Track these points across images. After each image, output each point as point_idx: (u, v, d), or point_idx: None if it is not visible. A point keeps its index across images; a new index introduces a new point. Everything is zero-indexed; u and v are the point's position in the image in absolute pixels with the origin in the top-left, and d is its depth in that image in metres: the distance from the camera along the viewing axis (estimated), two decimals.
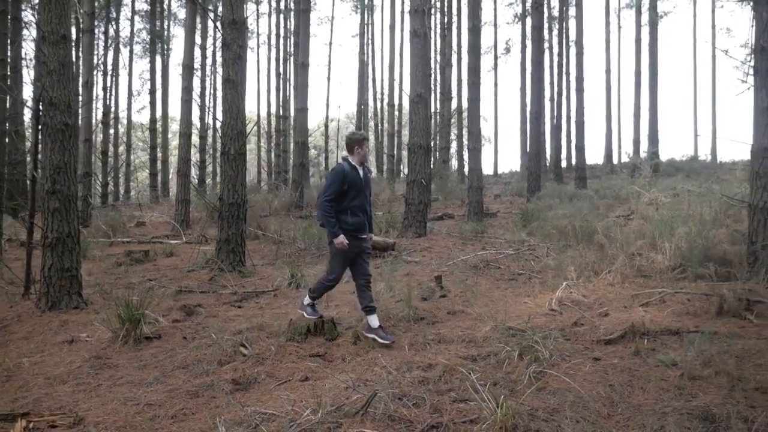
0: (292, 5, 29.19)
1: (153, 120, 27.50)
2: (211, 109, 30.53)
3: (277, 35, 32.05)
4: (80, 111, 16.04)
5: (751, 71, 6.98)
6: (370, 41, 33.50)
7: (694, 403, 3.66)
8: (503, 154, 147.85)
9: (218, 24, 9.93)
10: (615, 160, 32.59)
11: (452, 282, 7.86)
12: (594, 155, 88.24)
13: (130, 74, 30.72)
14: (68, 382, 4.58)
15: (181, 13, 31.28)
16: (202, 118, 28.14)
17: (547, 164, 28.88)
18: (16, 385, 4.53)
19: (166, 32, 30.43)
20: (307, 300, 5.56)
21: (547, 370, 4.27)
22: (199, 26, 25.67)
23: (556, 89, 29.35)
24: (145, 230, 15.32)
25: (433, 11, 29.71)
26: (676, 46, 79.37)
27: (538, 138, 19.08)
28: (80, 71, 17.37)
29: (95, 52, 23.99)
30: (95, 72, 25.48)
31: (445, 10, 27.96)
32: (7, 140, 17.18)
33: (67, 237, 6.89)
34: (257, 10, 35.69)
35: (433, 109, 30.15)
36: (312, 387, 4.19)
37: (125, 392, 4.27)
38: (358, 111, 32.21)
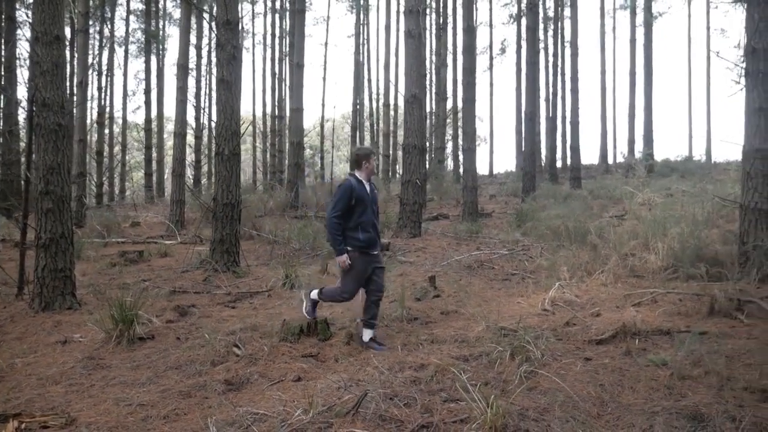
0: (287, 5, 29.17)
1: (148, 120, 27.47)
2: (207, 109, 30.50)
3: (273, 35, 32.06)
4: (74, 111, 16.00)
5: (744, 72, 7.02)
6: (365, 41, 33.53)
7: (683, 402, 3.68)
8: (499, 154, 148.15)
9: (213, 24, 9.92)
10: (610, 160, 32.72)
11: (446, 282, 7.88)
12: (589, 155, 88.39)
13: (125, 74, 30.82)
14: (61, 382, 4.58)
15: (177, 13, 31.20)
16: (197, 118, 28.11)
17: (543, 164, 28.97)
18: (9, 385, 4.53)
19: (161, 32, 30.38)
20: (314, 294, 5.50)
21: (538, 370, 4.29)
22: (194, 26, 25.63)
23: (551, 89, 29.42)
24: (139, 230, 15.30)
25: (428, 11, 29.74)
26: (671, 46, 79.59)
27: (532, 138, 19.13)
28: (75, 71, 17.35)
29: (90, 52, 24.01)
30: (90, 72, 25.49)
31: (441, 10, 27.98)
32: (1, 140, 17.17)
33: (61, 238, 6.88)
34: (253, 10, 35.69)
35: (428, 109, 30.20)
36: (304, 387, 4.20)
37: (118, 393, 4.27)
38: (353, 111, 32.22)
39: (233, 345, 5.17)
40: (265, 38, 33.97)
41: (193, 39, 27.46)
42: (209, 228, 11.12)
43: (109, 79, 29.62)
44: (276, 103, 31.22)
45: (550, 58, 30.20)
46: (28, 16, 24.55)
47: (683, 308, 5.88)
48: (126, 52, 31.04)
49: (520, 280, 8.01)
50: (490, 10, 35.42)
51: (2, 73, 17.71)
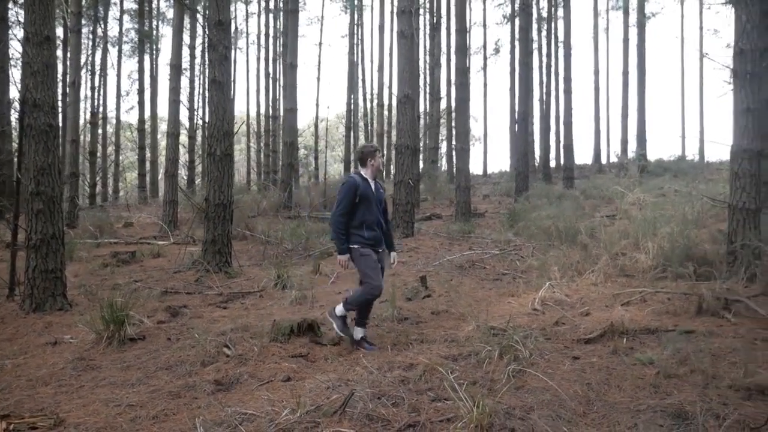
0: (281, 5, 29.17)
1: (141, 120, 27.41)
2: (201, 109, 30.46)
3: (266, 35, 32.03)
4: (67, 111, 15.96)
5: (732, 73, 7.07)
6: (359, 42, 33.56)
7: (669, 400, 3.72)
8: (493, 154, 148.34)
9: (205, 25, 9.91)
10: (604, 160, 32.82)
11: (437, 282, 7.91)
12: (583, 155, 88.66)
13: (118, 74, 30.64)
14: (50, 383, 4.59)
15: (170, 13, 31.17)
16: (191, 119, 28.07)
17: (537, 164, 29.04)
18: None
19: (154, 32, 30.32)
20: (340, 311, 5.21)
21: (525, 369, 4.32)
22: (188, 26, 25.59)
23: (544, 90, 29.50)
24: (132, 231, 15.29)
25: (422, 12, 29.77)
26: (664, 46, 79.89)
27: (525, 138, 19.18)
28: (68, 71, 17.30)
29: (83, 52, 23.95)
30: (83, 72, 25.41)
31: (434, 10, 28.01)
32: None
33: (52, 238, 6.88)
34: (247, 10, 35.67)
35: (422, 109, 30.23)
36: (293, 387, 4.21)
37: (107, 393, 4.28)
38: (347, 111, 32.22)
39: (223, 345, 5.18)
40: (259, 38, 33.97)
41: (186, 39, 27.40)
42: (202, 228, 11.13)
43: (102, 79, 29.54)
44: (270, 103, 31.20)
45: (544, 59, 30.27)
46: (20, 17, 24.48)
47: (672, 307, 5.93)
48: (119, 52, 30.96)
49: (511, 279, 8.05)
50: (484, 10, 35.46)
51: None
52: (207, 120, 9.42)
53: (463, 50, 14.88)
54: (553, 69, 29.64)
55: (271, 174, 27.40)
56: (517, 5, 25.64)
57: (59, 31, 24.72)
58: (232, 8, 33.75)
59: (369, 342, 5.26)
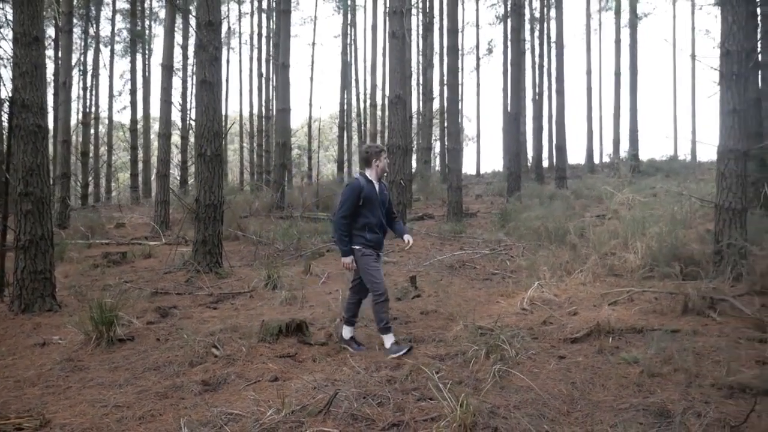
0: (273, 5, 29.14)
1: (134, 120, 27.32)
2: (193, 110, 30.37)
3: (259, 35, 32.01)
4: (58, 111, 15.91)
5: (719, 74, 7.13)
6: (352, 42, 33.54)
7: (651, 399, 3.76)
8: (486, 154, 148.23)
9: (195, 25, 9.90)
10: (596, 160, 32.89)
11: (427, 282, 7.94)
12: (576, 155, 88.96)
13: (111, 74, 30.51)
14: (38, 384, 4.59)
15: (163, 13, 31.08)
16: (183, 119, 27.98)
17: (529, 164, 29.12)
18: None
19: (147, 32, 30.23)
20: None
21: (512, 369, 4.35)
22: (180, 27, 25.53)
23: (537, 90, 29.57)
24: (124, 231, 15.25)
25: (414, 12, 29.80)
26: (657, 47, 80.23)
27: (517, 138, 19.24)
28: (59, 71, 17.23)
29: (74, 52, 23.83)
30: (75, 71, 25.31)
31: (427, 10, 28.05)
32: None
33: (41, 239, 6.87)
34: (239, 9, 35.61)
35: (415, 109, 30.27)
36: (280, 387, 4.23)
37: (94, 394, 4.28)
38: (340, 111, 32.22)
39: (212, 346, 5.19)
40: (251, 38, 33.94)
41: (179, 39, 27.35)
42: (194, 229, 11.12)
43: (94, 79, 29.42)
44: (263, 103, 31.18)
45: (536, 59, 30.36)
46: (9, 16, 24.38)
47: (658, 307, 5.97)
48: (112, 51, 30.86)
49: (500, 279, 8.08)
50: (477, 10, 35.58)
51: None
52: (197, 120, 9.40)
53: (454, 50, 14.91)
54: (545, 69, 29.72)
55: (264, 174, 27.37)
56: (509, 6, 25.71)
57: (51, 31, 24.65)
58: (225, 8, 33.76)
59: (358, 342, 5.28)
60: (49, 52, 27.67)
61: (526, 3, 30.80)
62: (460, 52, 34.78)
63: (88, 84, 28.95)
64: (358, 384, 4.11)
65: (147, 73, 29.33)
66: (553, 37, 25.89)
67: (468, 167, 40.29)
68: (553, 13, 28.19)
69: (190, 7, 21.83)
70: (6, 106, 16.04)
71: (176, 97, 31.36)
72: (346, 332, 5.28)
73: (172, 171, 33.65)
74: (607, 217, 10.16)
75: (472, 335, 5.20)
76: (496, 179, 26.40)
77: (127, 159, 29.80)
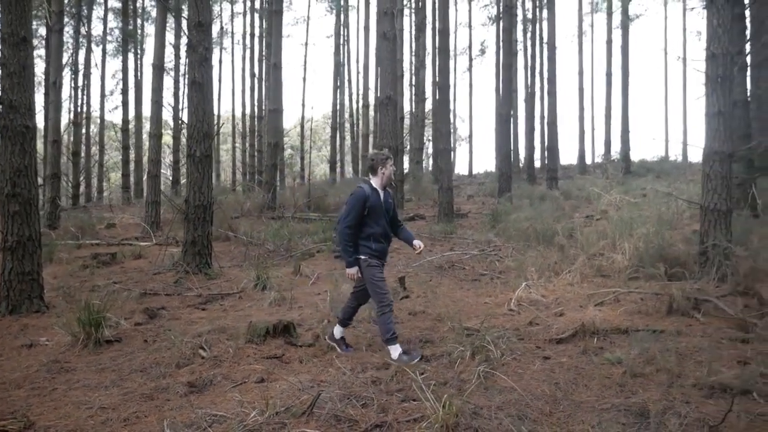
0: (266, 5, 29.11)
1: (126, 120, 27.23)
2: (186, 110, 30.27)
3: (252, 35, 31.96)
4: (48, 111, 15.85)
5: (705, 77, 7.18)
6: (345, 42, 33.56)
7: (633, 399, 3.80)
8: (479, 154, 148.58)
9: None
10: (588, 161, 33.03)
11: (416, 283, 7.96)
12: (568, 155, 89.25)
13: (102, 73, 30.39)
14: (24, 386, 4.58)
15: (155, 12, 30.98)
16: (175, 119, 27.86)
17: (521, 165, 29.22)
18: None
19: (139, 31, 30.14)
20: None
21: (496, 369, 4.39)
22: (172, 27, 25.49)
23: (529, 90, 29.66)
24: (114, 232, 15.20)
25: (407, 12, 29.86)
26: (649, 48, 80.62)
27: (507, 139, 19.29)
28: (50, 70, 17.16)
29: (66, 51, 23.72)
30: (66, 71, 25.20)
31: (419, 11, 28.09)
32: None
33: (28, 240, 6.85)
34: (232, 9, 35.56)
35: (407, 110, 30.30)
36: (266, 388, 4.25)
37: (80, 396, 4.28)
38: (333, 111, 32.25)
39: (199, 347, 5.19)
40: (244, 38, 33.87)
41: (171, 38, 27.32)
42: (183, 230, 11.11)
43: (86, 78, 29.30)
44: (256, 104, 31.15)
45: (529, 60, 30.45)
46: None
47: (644, 307, 6.01)
48: (104, 51, 30.73)
49: (489, 280, 8.11)
50: (470, 11, 35.68)
51: None
52: (187, 121, 9.39)
53: (444, 52, 14.94)
54: (537, 70, 29.82)
55: (256, 174, 27.34)
56: (501, 7, 25.74)
57: (42, 30, 24.55)
58: (217, 8, 33.69)
59: (347, 344, 5.27)
60: (40, 52, 27.60)
61: (519, 4, 30.93)
62: (452, 53, 35.03)
63: (80, 83, 28.86)
64: (343, 385, 4.14)
65: (139, 73, 29.25)
66: (546, 38, 26.02)
67: (460, 167, 40.38)
68: (545, 14, 28.32)
69: (183, 6, 21.78)
70: None
71: (168, 97, 31.35)
72: (338, 332, 5.27)
73: (164, 171, 33.61)
74: (596, 218, 10.20)
75: (458, 336, 5.23)
76: (488, 180, 26.47)
77: (119, 159, 29.72)
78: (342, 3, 32.23)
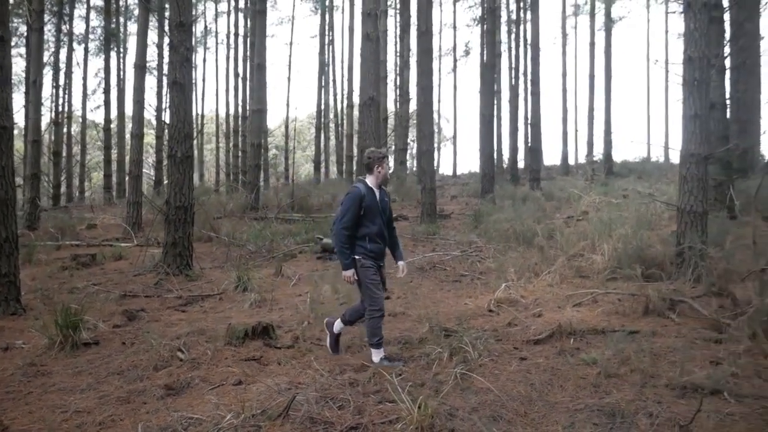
0: (250, 5, 29.01)
1: (108, 120, 27.00)
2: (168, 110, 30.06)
3: (236, 35, 31.83)
4: (28, 111, 15.68)
5: (682, 80, 7.28)
6: (330, 42, 33.53)
7: (607, 399, 3.84)
8: (464, 154, 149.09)
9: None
10: (571, 161, 33.29)
11: (397, 284, 7.97)
12: (552, 156, 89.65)
13: (85, 73, 30.12)
14: None
15: (138, 11, 30.73)
16: (158, 119, 27.69)
17: (505, 165, 29.36)
18: None
19: (121, 30, 29.87)
20: (376, 354, 4.83)
21: (474, 370, 4.42)
22: (155, 26, 25.28)
23: (513, 92, 29.81)
24: (95, 233, 15.07)
25: (392, 13, 29.90)
26: (632, 50, 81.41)
27: (490, 140, 19.40)
28: (30, 69, 16.97)
29: (47, 50, 23.49)
30: (47, 69, 24.94)
31: (404, 12, 28.13)
32: None
33: (5, 242, 6.78)
34: (216, 9, 35.38)
35: (391, 110, 30.34)
36: (243, 391, 4.24)
37: (55, 399, 4.25)
38: (318, 111, 32.21)
39: (177, 349, 5.17)
40: (228, 37, 33.72)
41: (154, 38, 27.13)
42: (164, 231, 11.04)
43: (67, 77, 29.00)
44: (240, 103, 31.00)
45: (513, 61, 30.60)
46: None
47: (621, 308, 6.08)
48: (86, 50, 30.44)
49: (469, 281, 8.15)
50: (454, 12, 35.76)
51: None
52: (169, 122, 9.34)
53: (427, 53, 14.97)
54: (521, 71, 29.99)
55: (240, 174, 27.23)
56: (484, 9, 25.85)
57: (23, 28, 24.26)
58: (201, 7, 33.52)
59: (338, 344, 5.19)
60: (21, 50, 27.30)
61: (504, 6, 31.09)
62: (437, 54, 35.13)
63: (61, 82, 28.56)
64: (320, 387, 4.14)
65: (122, 72, 28.98)
66: (530, 40, 26.17)
67: (445, 168, 40.55)
68: (529, 15, 28.49)
69: (165, 5, 21.64)
70: None
71: (151, 97, 31.14)
72: (337, 326, 5.13)
73: (147, 171, 33.36)
74: (575, 219, 10.29)
75: (437, 337, 5.26)
76: (472, 180, 26.56)
77: (101, 159, 29.47)
78: (327, 3, 32.20)
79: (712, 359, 4.49)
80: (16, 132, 15.49)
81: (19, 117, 21.56)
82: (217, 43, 36.40)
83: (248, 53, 29.20)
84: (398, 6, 29.24)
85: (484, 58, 28.35)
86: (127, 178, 20.08)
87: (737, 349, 4.65)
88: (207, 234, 12.65)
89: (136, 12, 31.16)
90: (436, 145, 37.51)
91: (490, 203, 15.36)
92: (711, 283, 6.06)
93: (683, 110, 7.13)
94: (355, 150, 30.84)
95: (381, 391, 4.09)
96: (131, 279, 8.98)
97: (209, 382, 4.49)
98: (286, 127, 34.11)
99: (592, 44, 28.87)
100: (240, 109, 30.71)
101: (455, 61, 36.36)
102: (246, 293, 7.71)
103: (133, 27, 32.71)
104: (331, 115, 34.95)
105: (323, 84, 32.73)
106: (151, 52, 27.21)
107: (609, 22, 27.54)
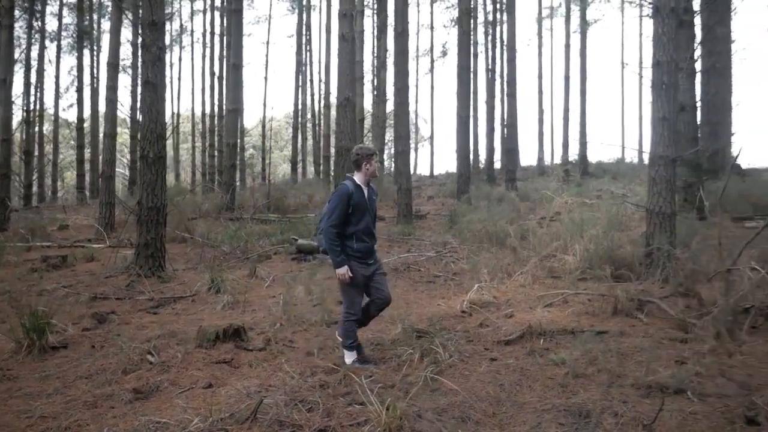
0: (226, 3, 28.80)
1: (80, 119, 26.60)
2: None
3: (212, 33, 31.59)
4: None
5: (651, 84, 7.40)
6: (307, 42, 33.42)
7: (574, 399, 3.90)
8: (441, 154, 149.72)
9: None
10: (547, 162, 33.65)
11: None
12: (529, 157, 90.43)
13: (57, 71, 29.75)
14: None
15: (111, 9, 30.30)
16: (133, 118, 27.38)
17: (482, 166, 29.55)
18: None
19: (95, 28, 29.44)
20: (348, 356, 4.79)
21: (444, 372, 4.45)
22: (131, 23, 24.92)
23: (490, 92, 30.00)
24: (67, 234, 14.82)
25: (369, 14, 29.88)
26: (607, 53, 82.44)
27: (467, 141, 19.49)
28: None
29: (18, 47, 23.06)
30: (18, 66, 24.46)
31: (381, 12, 28.14)
32: None
33: None
34: (191, 7, 35.07)
35: (369, 110, 30.33)
36: (213, 394, 4.22)
37: (20, 405, 4.19)
38: (295, 111, 32.11)
39: (147, 352, 5.12)
40: (204, 36, 33.43)
41: (129, 36, 26.77)
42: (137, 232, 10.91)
43: (39, 75, 28.50)
44: (216, 103, 30.78)
45: (490, 62, 30.80)
46: None
47: (591, 308, 6.16)
48: (58, 47, 29.98)
49: (443, 282, 8.19)
50: (432, 13, 35.92)
51: None
52: (141, 122, 9.24)
53: (403, 54, 15.01)
54: (498, 72, 30.19)
55: (216, 174, 27.03)
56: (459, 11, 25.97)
57: None
58: (177, 5, 33.18)
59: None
60: None
61: (480, 7, 31.26)
62: (415, 54, 35.23)
63: (33, 80, 28.07)
64: (290, 389, 4.14)
65: (95, 70, 28.59)
66: (506, 41, 26.36)
67: (422, 168, 40.59)
68: (505, 17, 28.70)
69: (139, 2, 21.39)
70: None
71: (126, 95, 30.77)
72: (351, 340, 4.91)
73: (122, 171, 32.91)
74: (548, 219, 10.40)
75: (409, 338, 5.29)
76: (449, 180, 26.66)
77: (74, 158, 29.04)
78: (304, 3, 32.09)
79: (677, 359, 4.57)
80: None
81: None
82: (192, 42, 36.14)
83: (224, 52, 29.00)
84: (375, 6, 29.24)
85: (461, 59, 28.55)
86: (100, 179, 19.84)
87: (702, 348, 4.74)
88: (181, 235, 12.54)
89: (110, 9, 30.83)
90: (413, 145, 37.67)
91: (465, 204, 15.43)
92: (678, 284, 6.17)
93: (652, 113, 7.26)
94: (332, 150, 30.86)
95: (351, 393, 4.09)
96: (102, 281, 8.85)
97: (179, 386, 4.46)
98: (263, 126, 33.92)
99: (568, 46, 29.24)
100: (216, 109, 30.50)
101: (432, 61, 36.56)
102: (219, 295, 7.64)
103: (106, 24, 32.21)
104: (309, 115, 34.87)
105: (300, 84, 32.66)
106: (126, 51, 26.90)
107: (584, 25, 27.90)
